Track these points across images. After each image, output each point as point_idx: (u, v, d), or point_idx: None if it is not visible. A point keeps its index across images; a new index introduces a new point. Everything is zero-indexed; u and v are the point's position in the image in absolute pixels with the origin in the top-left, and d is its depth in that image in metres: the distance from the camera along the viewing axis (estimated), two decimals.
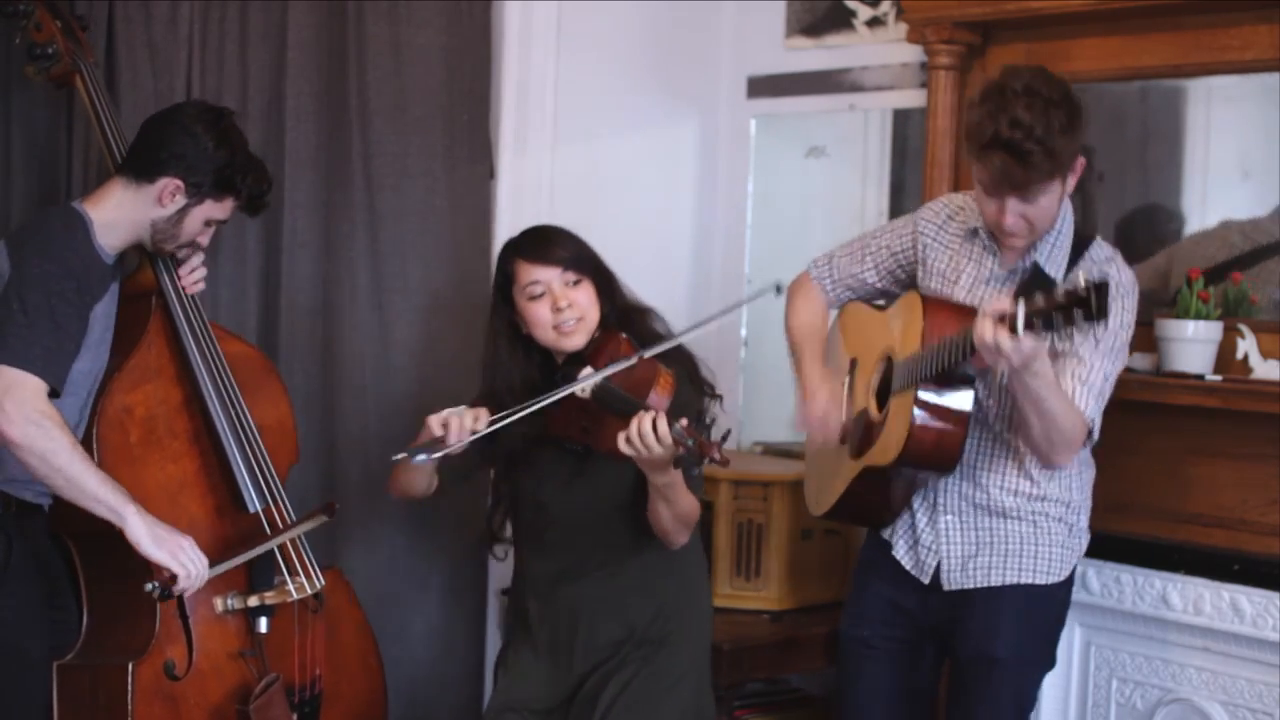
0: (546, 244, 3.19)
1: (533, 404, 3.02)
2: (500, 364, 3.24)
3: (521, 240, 3.24)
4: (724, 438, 2.86)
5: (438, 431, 3.04)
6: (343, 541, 3.59)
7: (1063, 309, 2.64)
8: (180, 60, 3.60)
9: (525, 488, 3.24)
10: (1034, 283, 3.06)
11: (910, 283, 3.30)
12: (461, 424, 3.03)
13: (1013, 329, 2.70)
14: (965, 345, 2.85)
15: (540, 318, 3.16)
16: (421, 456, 3.02)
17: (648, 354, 3.05)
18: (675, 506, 3.03)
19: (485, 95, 4.07)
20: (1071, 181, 3.02)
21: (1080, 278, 2.62)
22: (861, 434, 3.20)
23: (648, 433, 2.83)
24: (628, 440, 2.85)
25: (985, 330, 2.75)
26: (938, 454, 3.02)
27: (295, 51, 3.76)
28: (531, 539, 3.30)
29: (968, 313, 3.00)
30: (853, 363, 3.31)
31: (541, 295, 3.15)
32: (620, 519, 3.14)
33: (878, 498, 3.21)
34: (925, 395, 2.99)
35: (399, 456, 3.06)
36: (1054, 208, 3.01)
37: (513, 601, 3.39)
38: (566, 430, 3.10)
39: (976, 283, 3.16)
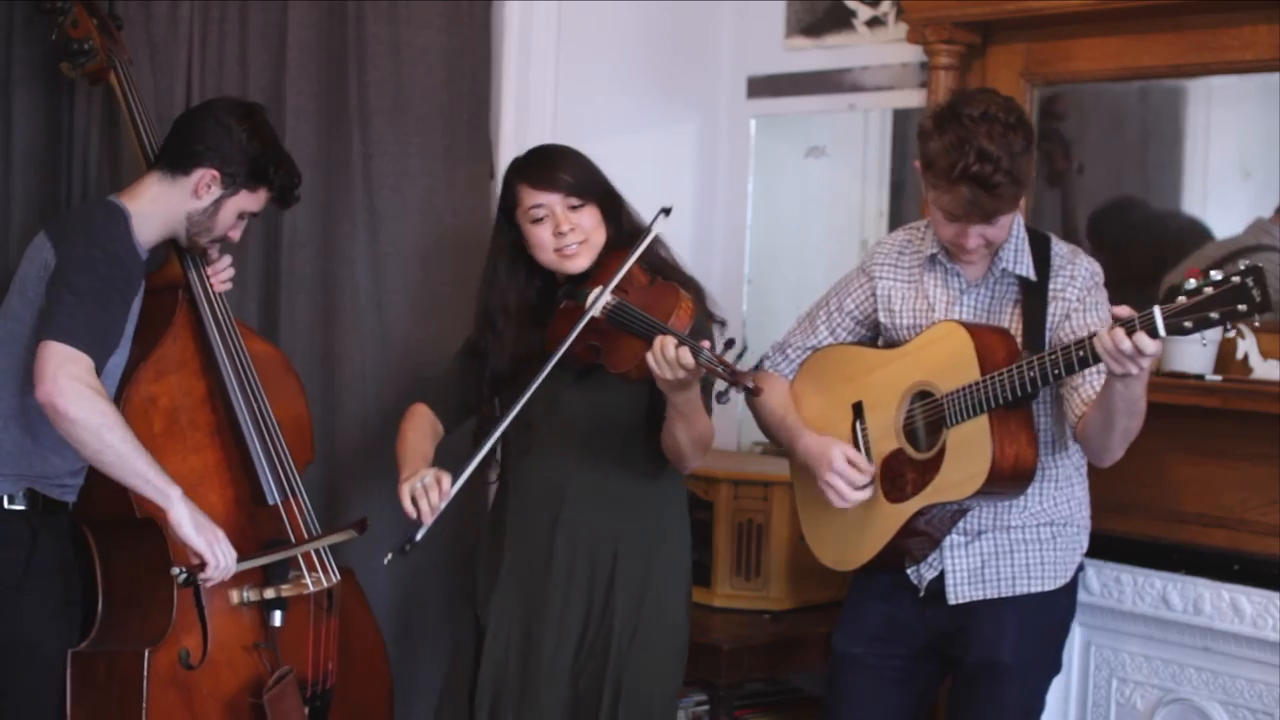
0: (550, 167, 3.16)
1: (529, 387, 3.00)
2: (497, 283, 3.22)
3: (524, 162, 3.21)
4: (740, 355, 2.82)
5: (411, 512, 3.02)
6: (343, 541, 3.59)
7: (1219, 303, 2.63)
8: (180, 60, 3.60)
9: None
10: (1026, 293, 3.07)
11: (872, 334, 3.29)
12: (428, 499, 3.00)
13: (1151, 333, 2.69)
14: (1067, 361, 2.82)
15: (542, 241, 3.15)
16: (407, 547, 3.01)
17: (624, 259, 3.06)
18: (694, 427, 3.01)
19: (485, 95, 4.07)
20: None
21: (1218, 272, 2.63)
22: (902, 476, 3.12)
23: (671, 357, 2.81)
24: (654, 362, 2.84)
25: (1121, 340, 2.70)
26: (1015, 477, 2.99)
27: (295, 51, 3.76)
28: (516, 461, 3.25)
29: (1007, 334, 3.03)
30: (857, 406, 3.23)
31: (543, 219, 3.14)
32: (604, 445, 3.12)
33: (924, 539, 3.14)
34: (997, 419, 2.96)
35: (388, 560, 3.05)
36: (1010, 224, 3.05)
37: (487, 543, 3.33)
38: (577, 345, 3.05)
39: (951, 303, 3.15)
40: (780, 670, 3.96)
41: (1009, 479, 2.99)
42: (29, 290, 3.03)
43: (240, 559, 3.08)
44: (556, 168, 3.16)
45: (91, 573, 3.22)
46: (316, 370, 3.82)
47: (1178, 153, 3.76)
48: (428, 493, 3.00)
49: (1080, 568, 3.24)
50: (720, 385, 2.78)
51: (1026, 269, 3.09)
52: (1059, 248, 3.13)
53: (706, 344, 2.81)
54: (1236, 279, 2.62)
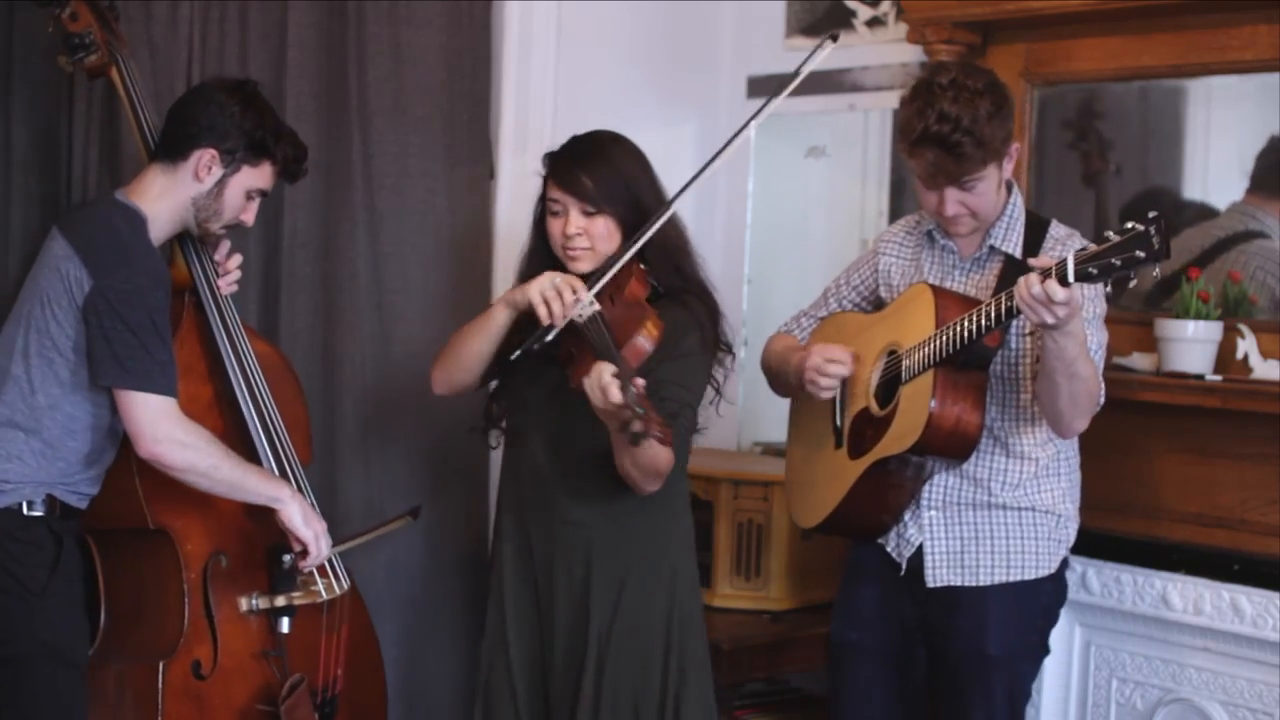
0: (575, 170, 3.12)
1: (613, 265, 2.99)
2: (531, 257, 3.24)
3: (559, 154, 3.18)
4: (674, 414, 2.83)
5: (543, 314, 2.97)
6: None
7: (1121, 250, 2.65)
8: (180, 60, 3.59)
9: (516, 384, 3.19)
10: (1007, 266, 3.10)
11: (876, 309, 3.33)
12: (563, 301, 2.97)
13: (1062, 280, 2.71)
14: (996, 312, 2.85)
15: (553, 233, 3.15)
16: (536, 347, 2.97)
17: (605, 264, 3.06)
18: (635, 456, 2.96)
19: (485, 95, 4.07)
20: (1008, 166, 3.09)
21: (1132, 222, 2.65)
22: (863, 433, 3.18)
23: (601, 385, 2.77)
24: (587, 387, 2.82)
25: (1032, 284, 2.74)
26: (955, 438, 3.01)
27: (295, 51, 3.76)
28: (511, 442, 3.26)
29: (972, 300, 3.04)
30: None
31: (558, 214, 3.14)
32: (591, 445, 3.09)
33: (881, 498, 3.18)
34: (943, 377, 2.98)
35: (516, 355, 3.01)
36: (992, 194, 3.07)
37: (495, 529, 3.33)
38: (561, 348, 3.05)
39: (944, 278, 3.19)
40: (780, 670, 3.96)
41: (948, 438, 3.01)
42: (53, 304, 2.95)
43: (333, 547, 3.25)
44: (582, 170, 3.12)
45: (93, 583, 3.18)
46: (316, 370, 3.82)
47: (1178, 153, 3.76)
48: (561, 294, 2.98)
49: (1065, 562, 3.24)
50: (636, 426, 2.71)
51: (1013, 247, 3.12)
52: (1056, 230, 3.16)
53: (641, 384, 2.76)
54: (1140, 226, 2.65)
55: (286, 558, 3.17)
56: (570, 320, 2.95)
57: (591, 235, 3.11)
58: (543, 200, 3.21)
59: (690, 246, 3.22)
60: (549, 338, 2.97)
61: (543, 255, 3.22)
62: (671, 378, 3.05)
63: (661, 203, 3.12)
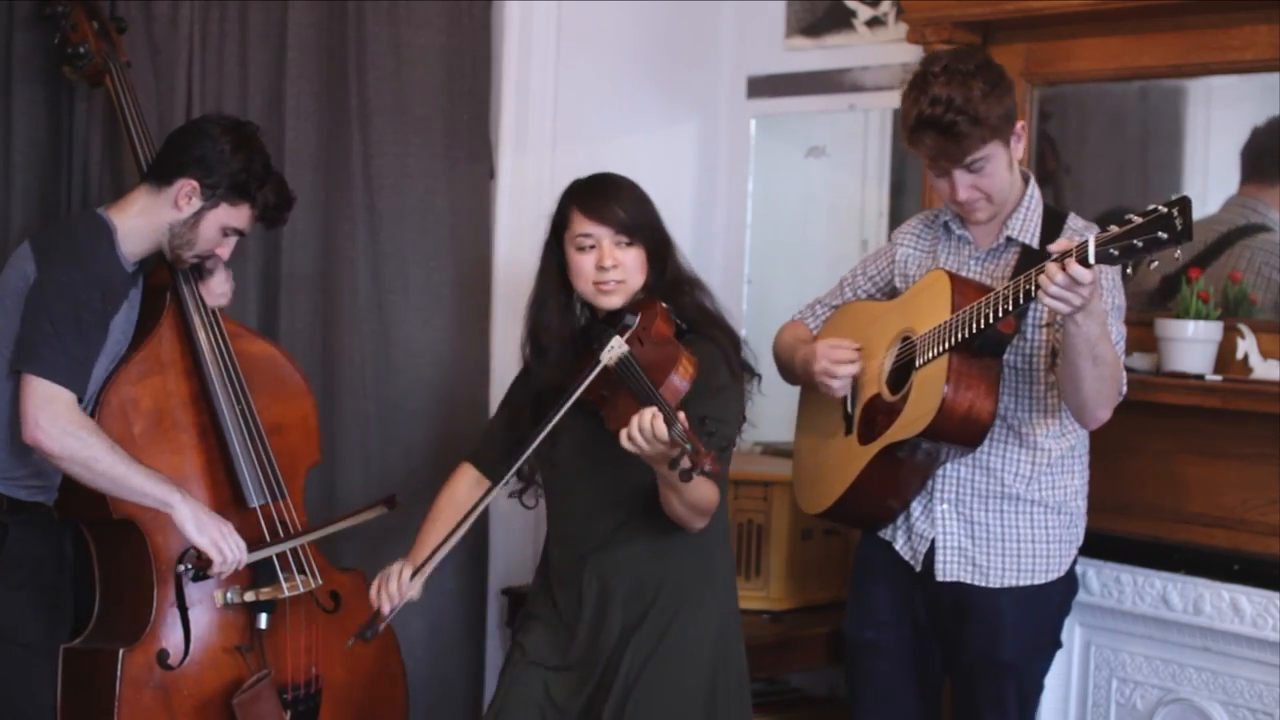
0: (606, 200, 3.09)
1: (523, 452, 2.98)
2: (545, 302, 3.16)
3: (584, 188, 3.14)
4: (722, 448, 2.75)
5: (374, 603, 3.07)
6: (343, 542, 3.59)
7: (1143, 231, 2.64)
8: (180, 60, 3.60)
9: (542, 442, 3.09)
10: (1024, 256, 3.10)
11: (892, 299, 3.33)
12: (389, 593, 3.06)
13: (1083, 262, 2.70)
14: (1014, 295, 2.84)
15: (583, 269, 3.08)
16: (370, 634, 3.04)
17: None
18: (685, 496, 2.91)
19: (485, 95, 4.08)
20: (1017, 147, 3.08)
21: (1153, 204, 2.65)
22: (874, 419, 3.17)
23: (647, 429, 2.74)
24: (628, 436, 2.77)
25: (1055, 275, 2.73)
26: (967, 425, 3.00)
27: (295, 51, 3.77)
28: (549, 500, 3.21)
29: (988, 287, 3.04)
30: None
31: (590, 248, 3.08)
32: (631, 486, 3.04)
33: (889, 485, 3.17)
34: (957, 362, 2.98)
35: (350, 643, 3.11)
36: (1003, 173, 3.07)
37: (536, 582, 3.28)
38: (590, 392, 2.99)
39: (960, 268, 3.19)
40: (780, 670, 3.97)
41: (960, 423, 3.00)
42: (5, 299, 3.04)
43: (252, 548, 3.14)
44: (613, 200, 3.08)
45: (92, 571, 3.23)
46: (316, 370, 3.82)
47: (1178, 153, 3.76)
48: (386, 585, 3.07)
49: (1075, 561, 3.24)
50: (685, 462, 2.67)
51: (1030, 237, 3.13)
52: (1074, 222, 3.16)
53: (683, 416, 2.72)
54: (1163, 209, 2.64)
55: (180, 566, 3.12)
56: (603, 366, 2.91)
57: (625, 267, 3.06)
58: (557, 245, 3.13)
59: (699, 278, 3.18)
60: (380, 627, 3.05)
61: (559, 301, 3.14)
62: (710, 413, 2.95)
63: (670, 241, 3.13)
